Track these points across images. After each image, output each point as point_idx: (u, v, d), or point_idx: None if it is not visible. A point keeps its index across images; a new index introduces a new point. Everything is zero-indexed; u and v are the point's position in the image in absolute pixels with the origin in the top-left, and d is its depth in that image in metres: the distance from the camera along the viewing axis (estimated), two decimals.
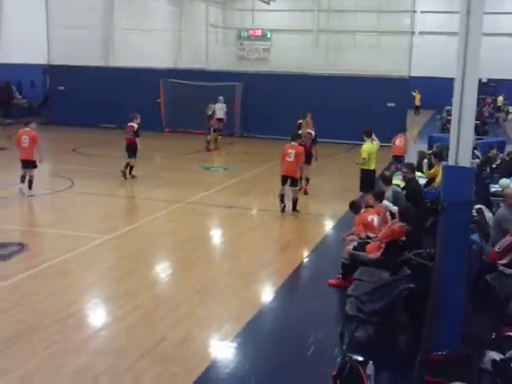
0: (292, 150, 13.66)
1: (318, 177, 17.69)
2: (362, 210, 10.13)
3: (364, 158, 13.86)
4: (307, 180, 16.18)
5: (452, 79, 7.05)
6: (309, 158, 15.56)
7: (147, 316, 8.20)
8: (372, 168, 13.98)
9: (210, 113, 22.97)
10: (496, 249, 8.21)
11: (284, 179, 13.71)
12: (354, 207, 10.29)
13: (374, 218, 9.72)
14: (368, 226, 9.71)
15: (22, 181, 14.73)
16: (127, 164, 17.11)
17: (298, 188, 14.07)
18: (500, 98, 39.67)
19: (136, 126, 17.15)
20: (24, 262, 10.12)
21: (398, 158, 17.54)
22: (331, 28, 33.92)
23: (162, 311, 8.37)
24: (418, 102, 40.34)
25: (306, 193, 15.81)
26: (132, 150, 17.05)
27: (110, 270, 10.07)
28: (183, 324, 7.99)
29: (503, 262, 8.16)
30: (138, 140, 16.97)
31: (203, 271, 10.12)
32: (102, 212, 14.04)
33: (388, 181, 10.83)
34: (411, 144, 20.57)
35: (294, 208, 13.89)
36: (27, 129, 14.95)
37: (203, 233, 12.80)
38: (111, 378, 6.57)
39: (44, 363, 6.85)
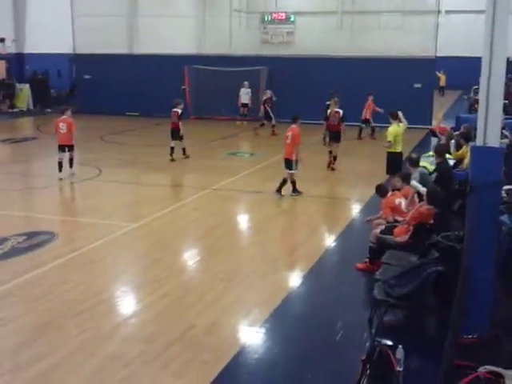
0: (289, 133, 13.72)
1: (344, 160, 17.62)
2: (389, 194, 10.01)
3: (390, 141, 13.70)
4: (335, 158, 16.85)
5: (479, 58, 6.91)
6: (337, 137, 16.62)
7: (175, 303, 8.26)
8: (398, 151, 13.80)
9: (264, 98, 23.80)
10: None
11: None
12: (381, 191, 10.17)
13: (402, 202, 9.62)
14: (395, 209, 9.61)
15: (60, 169, 15.53)
16: (172, 148, 18.09)
17: (292, 171, 13.89)
18: None
19: (180, 111, 18.32)
20: (54, 250, 10.25)
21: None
22: (355, 9, 33.46)
23: (190, 298, 8.41)
24: (443, 83, 39.70)
25: (333, 169, 16.73)
26: (176, 133, 18.18)
27: (138, 258, 10.16)
28: (211, 311, 8.03)
29: None
30: (180, 124, 18.13)
31: (230, 257, 10.15)
32: (129, 200, 14.15)
33: (415, 163, 10.69)
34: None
35: (293, 189, 13.90)
36: (64, 116, 15.88)
37: (230, 219, 12.82)
38: (142, 364, 6.63)
39: (76, 350, 6.95)
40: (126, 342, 7.17)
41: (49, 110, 29.61)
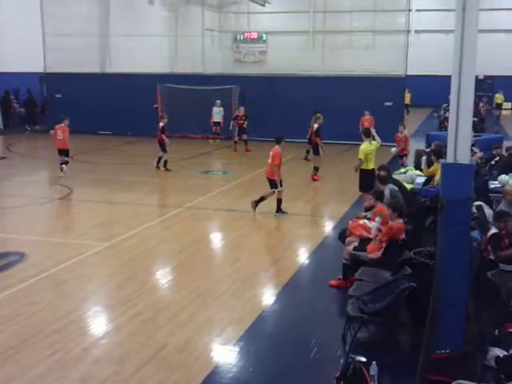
0: (271, 153, 13.83)
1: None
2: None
3: (360, 159, 13.79)
4: (316, 169, 18.01)
5: (448, 77, 7.01)
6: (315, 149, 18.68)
7: (148, 323, 8.16)
8: (370, 168, 13.89)
9: (236, 114, 24.48)
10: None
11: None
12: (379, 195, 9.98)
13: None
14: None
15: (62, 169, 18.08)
16: (159, 158, 19.47)
17: (274, 190, 13.90)
18: (499, 96, 39.15)
19: (162, 124, 19.55)
20: (23, 271, 10.08)
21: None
22: (327, 29, 33.88)
23: (163, 317, 8.32)
24: (407, 101, 40.09)
25: (314, 179, 17.87)
26: (161, 146, 19.39)
27: (109, 278, 10.02)
28: (184, 329, 7.95)
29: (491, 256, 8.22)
30: (163, 136, 19.29)
31: (204, 276, 10.07)
32: (101, 219, 13.99)
33: (384, 180, 10.76)
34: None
35: (278, 209, 13.92)
36: (62, 124, 18.33)
37: (203, 237, 12.76)
38: None
39: (47, 372, 6.82)
40: (98, 363, 7.05)
41: (36, 127, 30.28)
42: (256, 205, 13.89)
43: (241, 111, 24.16)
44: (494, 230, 8.40)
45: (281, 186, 13.81)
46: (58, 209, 15.08)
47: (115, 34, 29.75)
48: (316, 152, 18.65)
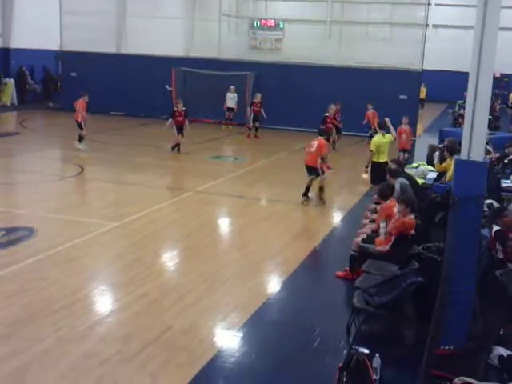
0: (315, 142, 13.89)
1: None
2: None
3: (371, 151, 13.76)
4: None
5: (465, 73, 6.97)
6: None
7: (154, 304, 8.20)
8: (381, 161, 13.85)
9: (254, 100, 24.38)
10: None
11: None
12: (382, 193, 9.85)
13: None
14: (390, 216, 9.41)
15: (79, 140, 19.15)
16: (177, 143, 19.61)
17: (314, 177, 13.98)
18: None
19: (175, 109, 19.93)
20: (32, 246, 10.14)
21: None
22: (344, 19, 33.68)
23: (169, 299, 8.36)
24: (423, 96, 39.89)
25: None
26: (181, 129, 19.61)
27: (117, 257, 10.08)
28: (190, 312, 7.99)
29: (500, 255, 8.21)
30: (170, 121, 19.57)
31: (211, 260, 10.11)
32: (111, 199, 14.06)
33: (394, 174, 10.66)
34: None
35: (305, 193, 13.99)
36: (81, 100, 19.42)
37: (212, 222, 12.79)
38: (117, 363, 6.58)
39: (52, 347, 6.88)
40: (103, 340, 7.10)
41: (50, 104, 30.56)
42: (307, 196, 13.92)
43: (257, 98, 24.05)
44: (496, 227, 8.40)
45: (323, 173, 13.90)
46: (68, 186, 15.14)
47: (132, 15, 29.74)
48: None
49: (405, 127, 18.23)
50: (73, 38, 28.49)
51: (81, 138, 19.14)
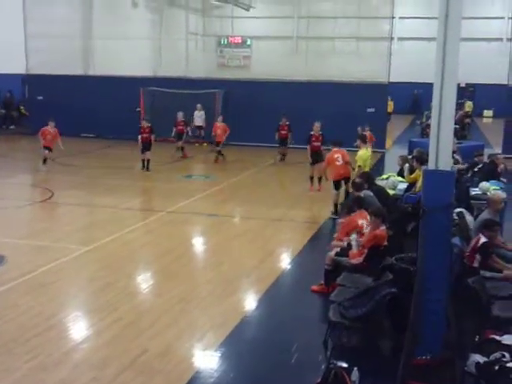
0: (338, 155, 14.14)
1: (298, 184, 17.76)
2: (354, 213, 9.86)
3: (360, 166, 13.70)
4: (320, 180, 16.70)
5: (431, 84, 7.06)
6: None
7: (129, 328, 8.10)
8: None
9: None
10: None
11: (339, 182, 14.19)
12: (346, 207, 9.95)
13: (364, 223, 9.55)
14: (356, 228, 9.50)
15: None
16: (148, 160, 19.89)
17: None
18: (469, 104, 38.85)
19: (149, 124, 20.35)
20: (3, 274, 9.97)
21: None
22: (311, 35, 34.06)
23: (144, 322, 8.27)
24: (390, 110, 40.09)
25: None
26: (148, 146, 19.95)
27: (90, 282, 9.95)
28: (165, 334, 7.91)
29: (475, 264, 8.26)
30: (139, 137, 20.02)
31: (185, 280, 10.03)
32: (82, 223, 13.91)
33: (358, 187, 10.83)
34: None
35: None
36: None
37: (185, 242, 12.72)
38: None
39: (26, 376, 6.75)
40: (77, 368, 6.99)
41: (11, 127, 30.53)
42: (336, 213, 13.95)
43: (283, 120, 21.86)
44: (484, 239, 8.40)
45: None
46: (38, 212, 14.96)
47: (98, 37, 29.65)
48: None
49: (365, 133, 19.04)
50: (39, 62, 28.29)
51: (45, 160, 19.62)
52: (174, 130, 22.83)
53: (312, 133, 17.64)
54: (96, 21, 30.56)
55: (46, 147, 19.64)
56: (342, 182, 14.27)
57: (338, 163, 14.10)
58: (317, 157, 16.83)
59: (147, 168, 19.68)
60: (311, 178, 16.98)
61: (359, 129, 20.31)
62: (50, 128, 19.84)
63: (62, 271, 10.34)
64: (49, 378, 6.73)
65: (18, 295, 9.17)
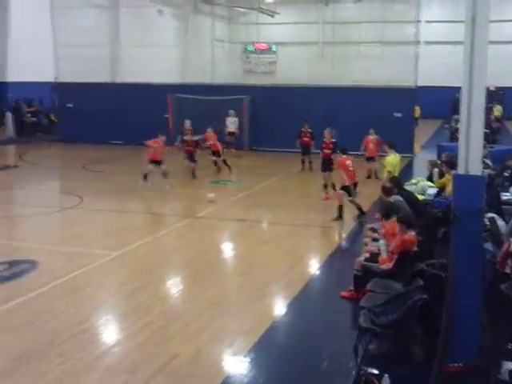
0: (349, 162, 14.17)
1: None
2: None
3: (389, 172, 13.58)
4: (333, 186, 16.51)
5: (459, 88, 7.00)
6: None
7: (159, 332, 8.16)
8: None
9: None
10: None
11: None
12: (385, 211, 9.75)
13: None
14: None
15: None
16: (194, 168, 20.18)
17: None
18: (498, 108, 38.24)
19: (196, 138, 20.67)
20: (36, 279, 10.12)
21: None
22: (336, 40, 34.02)
23: (174, 327, 8.33)
24: (417, 115, 39.66)
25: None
26: (192, 157, 20.23)
27: (121, 287, 10.05)
28: (195, 340, 7.94)
29: (507, 270, 8.14)
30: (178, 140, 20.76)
31: (215, 286, 10.07)
32: (112, 228, 14.05)
33: (388, 192, 10.74)
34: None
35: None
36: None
37: (214, 247, 12.76)
38: None
39: (59, 380, 6.84)
40: (109, 372, 7.06)
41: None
42: (363, 214, 14.11)
43: (306, 126, 21.23)
44: None
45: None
46: (69, 218, 15.13)
47: (126, 44, 29.99)
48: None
49: (371, 137, 19.97)
50: (68, 70, 28.66)
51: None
52: (180, 137, 21.81)
53: (324, 139, 17.46)
54: (123, 29, 30.96)
55: (154, 161, 18.12)
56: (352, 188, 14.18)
57: (350, 169, 14.10)
58: (326, 164, 16.74)
59: (193, 175, 19.92)
60: (325, 186, 16.64)
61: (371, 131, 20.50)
62: (161, 141, 18.40)
63: (93, 276, 10.46)
64: (81, 382, 6.81)
65: (50, 300, 9.30)
